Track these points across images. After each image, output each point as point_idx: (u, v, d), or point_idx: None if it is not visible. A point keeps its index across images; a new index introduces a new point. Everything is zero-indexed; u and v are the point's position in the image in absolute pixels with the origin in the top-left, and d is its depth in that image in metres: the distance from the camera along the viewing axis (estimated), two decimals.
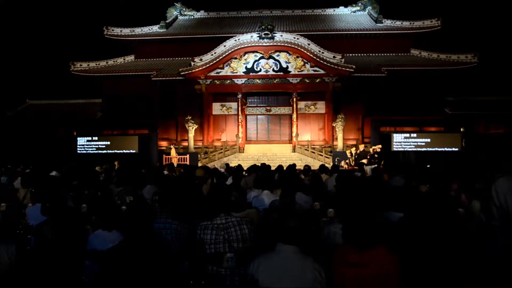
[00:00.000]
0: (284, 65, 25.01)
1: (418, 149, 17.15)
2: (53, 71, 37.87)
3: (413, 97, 25.21)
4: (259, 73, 25.17)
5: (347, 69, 24.02)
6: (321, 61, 24.20)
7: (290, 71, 25.04)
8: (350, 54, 26.70)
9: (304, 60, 24.84)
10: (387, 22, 29.12)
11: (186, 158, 21.76)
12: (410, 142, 17.28)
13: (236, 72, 25.29)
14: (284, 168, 9.26)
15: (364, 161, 15.59)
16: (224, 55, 24.68)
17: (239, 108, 25.89)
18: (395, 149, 17.26)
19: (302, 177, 8.28)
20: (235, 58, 25.08)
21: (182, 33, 29.67)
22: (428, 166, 13.48)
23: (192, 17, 33.79)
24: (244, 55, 25.06)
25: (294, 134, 25.08)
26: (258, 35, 24.47)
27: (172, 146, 21.62)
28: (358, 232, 2.50)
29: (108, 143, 18.33)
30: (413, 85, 25.43)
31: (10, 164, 14.59)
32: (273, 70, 25.10)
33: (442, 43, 32.65)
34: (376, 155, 15.64)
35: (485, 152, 17.86)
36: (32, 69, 40.89)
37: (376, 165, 13.72)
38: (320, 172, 8.81)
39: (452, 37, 35.66)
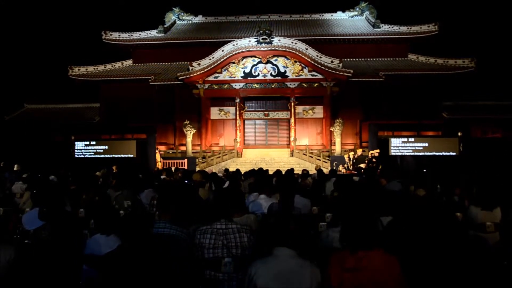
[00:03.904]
0: (282, 70, 25.07)
1: (416, 153, 17.16)
2: (51, 76, 37.95)
3: (411, 101, 25.33)
4: (257, 78, 25.22)
5: (345, 74, 24.09)
6: (319, 66, 24.27)
7: (288, 76, 25.10)
8: (348, 59, 26.77)
9: (302, 65, 24.90)
10: (385, 27, 29.25)
11: (184, 162, 21.69)
12: (407, 146, 17.28)
13: (234, 77, 25.33)
14: (283, 173, 9.25)
15: (362, 165, 15.65)
16: (222, 60, 24.73)
17: (237, 113, 25.93)
18: (392, 153, 17.25)
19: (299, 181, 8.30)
20: (233, 63, 25.14)
21: (180, 37, 29.71)
22: (424, 170, 13.49)
23: (190, 21, 33.89)
24: (242, 60, 25.11)
25: (292, 139, 25.10)
26: (256, 39, 24.54)
27: (157, 151, 21.42)
28: (355, 231, 2.50)
29: (106, 147, 18.27)
30: (410, 89, 25.53)
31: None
32: (271, 75, 25.16)
33: (439, 48, 32.93)
34: (374, 160, 15.69)
35: (483, 157, 17.88)
36: (30, 73, 40.93)
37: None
38: (320, 178, 8.78)
39: (449, 42, 35.92)
